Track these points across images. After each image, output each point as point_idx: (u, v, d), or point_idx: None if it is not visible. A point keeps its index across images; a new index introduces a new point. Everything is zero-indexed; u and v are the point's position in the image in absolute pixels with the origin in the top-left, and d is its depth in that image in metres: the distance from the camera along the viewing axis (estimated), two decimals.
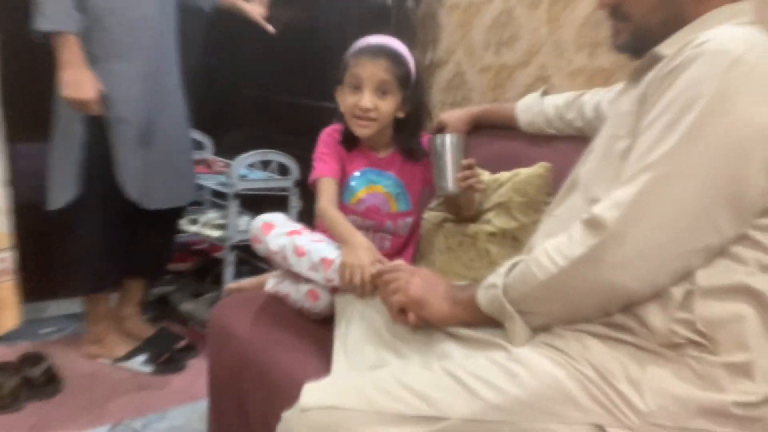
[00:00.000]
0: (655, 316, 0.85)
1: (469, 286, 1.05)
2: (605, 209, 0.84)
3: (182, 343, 2.16)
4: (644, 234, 0.82)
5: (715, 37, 0.84)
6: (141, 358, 2.09)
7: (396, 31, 1.62)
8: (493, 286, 0.97)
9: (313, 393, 0.90)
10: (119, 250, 2.06)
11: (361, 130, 1.42)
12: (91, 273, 2.03)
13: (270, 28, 2.16)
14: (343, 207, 1.48)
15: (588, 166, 1.05)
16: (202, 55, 2.87)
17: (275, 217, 1.44)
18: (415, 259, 1.56)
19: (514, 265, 0.96)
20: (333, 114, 1.50)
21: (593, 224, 0.85)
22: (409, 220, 1.51)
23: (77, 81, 1.78)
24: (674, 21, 0.96)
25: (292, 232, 1.37)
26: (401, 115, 1.44)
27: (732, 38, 0.84)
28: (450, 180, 1.35)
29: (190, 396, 1.96)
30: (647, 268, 0.83)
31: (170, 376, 2.08)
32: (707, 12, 0.95)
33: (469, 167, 1.35)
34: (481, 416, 0.83)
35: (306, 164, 1.72)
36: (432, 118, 1.58)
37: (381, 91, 1.39)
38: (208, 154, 2.68)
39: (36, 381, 1.88)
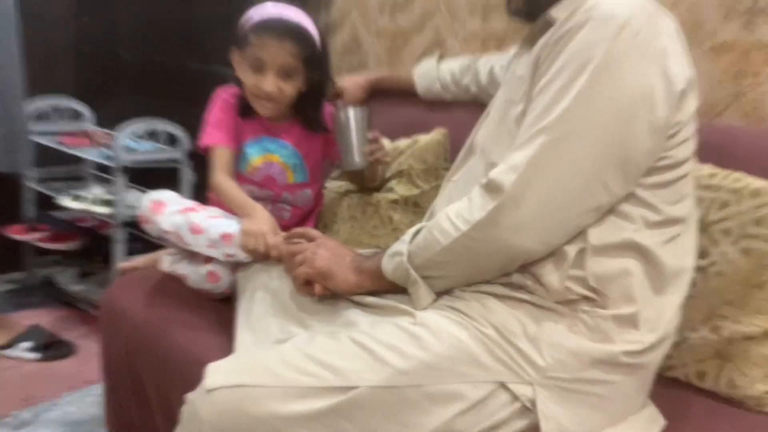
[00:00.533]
0: (550, 274, 0.88)
1: (374, 255, 1.05)
2: (502, 173, 0.86)
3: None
4: (539, 196, 0.85)
5: (604, 1, 0.86)
6: (25, 344, 1.95)
7: None
8: (397, 253, 0.97)
9: (218, 372, 0.87)
10: None
11: (264, 110, 1.36)
12: None
13: None
14: (239, 176, 1.42)
15: (484, 130, 1.07)
16: (74, 14, 2.64)
17: (165, 195, 1.36)
18: (318, 228, 1.54)
19: (417, 232, 0.97)
20: (224, 79, 1.42)
21: (491, 188, 0.87)
22: (308, 191, 1.47)
23: None
24: None
25: (185, 210, 1.30)
26: (304, 89, 1.39)
27: (619, 3, 0.86)
28: (356, 154, 1.33)
29: (83, 381, 1.86)
30: (543, 228, 0.86)
31: (59, 362, 1.97)
32: None
33: (375, 140, 1.33)
34: (389, 383, 0.83)
35: (197, 133, 1.62)
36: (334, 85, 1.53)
37: (285, 73, 1.32)
38: (87, 124, 2.50)
39: None
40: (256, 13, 1.33)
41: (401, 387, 0.83)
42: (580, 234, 0.88)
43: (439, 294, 0.96)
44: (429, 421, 0.83)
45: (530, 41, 1.02)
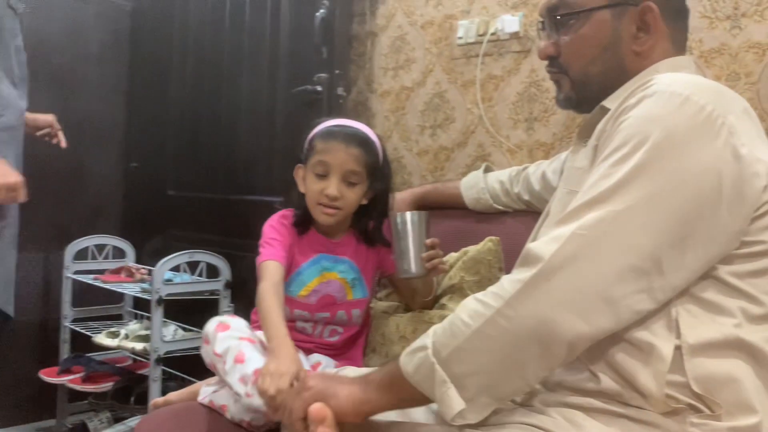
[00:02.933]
0: (645, 378, 0.76)
1: (381, 366, 0.92)
2: (541, 243, 0.78)
3: None
4: (581, 268, 0.75)
5: (663, 80, 0.83)
6: None
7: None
8: (420, 348, 0.83)
9: None
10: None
11: (325, 218, 1.32)
12: None
13: (63, 143, 2.11)
14: (291, 301, 1.34)
15: (545, 229, 0.99)
16: (124, 159, 2.75)
17: (234, 321, 1.29)
18: (366, 353, 1.43)
19: (440, 324, 0.85)
20: (265, 208, 1.40)
21: (527, 259, 0.78)
22: (363, 308, 1.39)
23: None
24: (614, 73, 0.97)
25: (244, 338, 1.23)
26: (365, 201, 1.36)
27: (679, 80, 0.83)
28: (413, 261, 1.24)
29: None
30: (585, 305, 0.75)
31: None
32: (649, 65, 0.96)
33: (433, 247, 1.26)
34: None
35: (237, 263, 1.59)
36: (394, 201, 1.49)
37: (349, 180, 1.30)
38: (129, 261, 2.50)
39: None
40: (323, 125, 1.35)
41: None
42: (672, 330, 0.77)
43: (476, 403, 0.80)
44: None
45: (585, 134, 0.98)
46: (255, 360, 1.16)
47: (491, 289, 0.80)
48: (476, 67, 1.74)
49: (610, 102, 0.93)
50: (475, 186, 1.49)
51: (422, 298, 1.39)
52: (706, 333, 0.76)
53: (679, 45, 0.99)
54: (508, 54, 1.68)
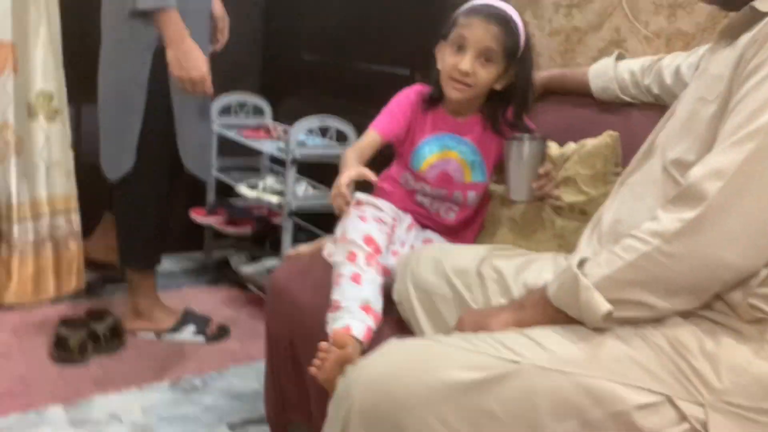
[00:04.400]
0: (735, 290, 0.80)
1: (532, 292, 0.99)
2: (703, 179, 0.78)
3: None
4: (750, 206, 0.77)
5: None
6: (191, 328, 2.10)
7: None
8: (563, 271, 0.89)
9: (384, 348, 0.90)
10: (167, 225, 2.04)
11: (454, 92, 1.36)
12: (144, 247, 2.00)
13: (219, 45, 2.10)
14: (414, 174, 1.45)
15: (667, 130, 0.99)
16: (263, 20, 2.86)
17: (380, 202, 1.41)
18: (479, 233, 1.52)
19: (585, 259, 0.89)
20: (396, 80, 1.46)
21: (690, 196, 0.79)
22: (479, 192, 1.46)
23: (190, 58, 1.74)
24: None
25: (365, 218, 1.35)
26: (499, 87, 1.38)
27: None
28: (525, 188, 1.29)
29: (247, 357, 1.99)
30: (752, 241, 0.77)
31: (227, 338, 2.12)
32: None
33: (546, 175, 1.29)
34: (550, 364, 0.81)
35: (364, 129, 1.68)
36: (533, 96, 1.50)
37: (484, 57, 1.33)
38: (267, 119, 2.69)
39: (102, 336, 1.94)
40: (469, 3, 1.37)
41: (559, 371, 0.80)
42: None
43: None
44: (580, 416, 0.78)
45: (729, 35, 0.93)
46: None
47: (648, 225, 0.81)
48: None
49: (764, 3, 0.87)
50: (605, 74, 1.46)
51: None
52: None
53: None
54: None
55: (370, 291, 1.20)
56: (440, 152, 1.43)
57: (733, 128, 0.80)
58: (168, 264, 2.60)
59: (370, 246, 1.26)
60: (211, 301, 2.38)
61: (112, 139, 1.92)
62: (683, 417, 0.77)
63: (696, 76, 1.05)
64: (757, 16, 0.87)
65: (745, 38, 0.87)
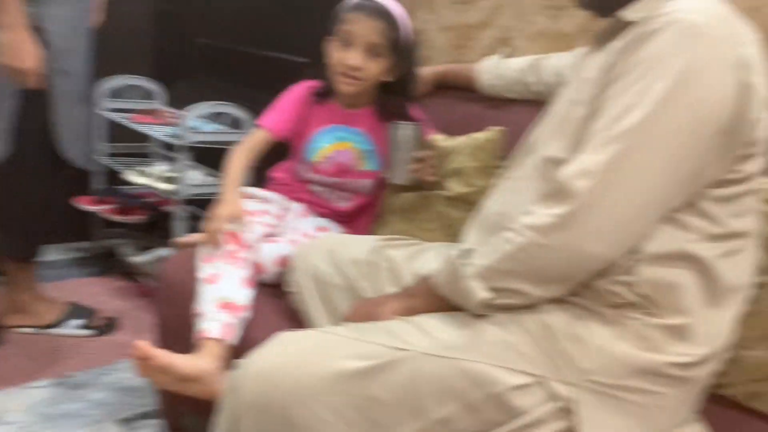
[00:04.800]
0: (598, 278, 0.87)
1: (420, 281, 1.03)
2: (573, 177, 0.84)
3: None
4: (615, 203, 0.83)
5: (682, 8, 0.84)
6: (75, 322, 2.01)
7: None
8: (448, 260, 0.94)
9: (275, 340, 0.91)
10: (48, 214, 1.93)
11: (345, 87, 1.40)
12: (23, 237, 1.89)
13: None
14: (308, 165, 1.46)
15: (544, 128, 1.06)
16: (155, 1, 2.75)
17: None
18: (374, 221, 1.56)
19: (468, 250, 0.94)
20: (292, 67, 1.47)
21: (561, 192, 0.85)
22: (373, 181, 1.50)
23: (21, 48, 1.62)
24: None
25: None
26: (388, 78, 1.42)
27: (698, 10, 0.84)
28: (400, 171, 1.37)
29: None
30: (616, 236, 0.84)
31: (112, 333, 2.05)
32: None
33: (423, 160, 1.35)
34: (433, 351, 0.85)
35: (259, 117, 1.67)
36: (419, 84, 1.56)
37: (372, 52, 1.36)
38: (158, 103, 2.60)
39: None
40: None
41: (442, 357, 0.84)
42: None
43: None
44: (461, 399, 0.83)
45: (601, 41, 1.00)
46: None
47: (524, 219, 0.87)
48: None
49: (632, 13, 0.93)
50: (492, 71, 1.53)
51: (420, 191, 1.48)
52: (664, 246, 0.86)
53: None
54: None
55: (228, 287, 1.21)
56: (335, 143, 1.46)
57: (599, 130, 0.85)
58: (52, 254, 2.47)
59: (232, 243, 1.26)
60: (98, 292, 2.29)
61: None
62: (554, 396, 0.83)
63: (571, 79, 1.11)
64: (624, 24, 0.93)
65: (613, 45, 0.93)
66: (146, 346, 1.12)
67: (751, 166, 0.87)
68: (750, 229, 0.90)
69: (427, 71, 1.63)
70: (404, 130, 1.34)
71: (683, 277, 0.86)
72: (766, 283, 1.02)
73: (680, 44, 0.82)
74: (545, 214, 0.85)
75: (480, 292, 0.89)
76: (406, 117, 1.44)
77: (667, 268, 0.86)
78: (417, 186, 1.44)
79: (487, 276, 0.89)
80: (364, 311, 1.02)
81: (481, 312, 0.90)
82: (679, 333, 0.86)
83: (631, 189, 0.83)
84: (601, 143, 0.84)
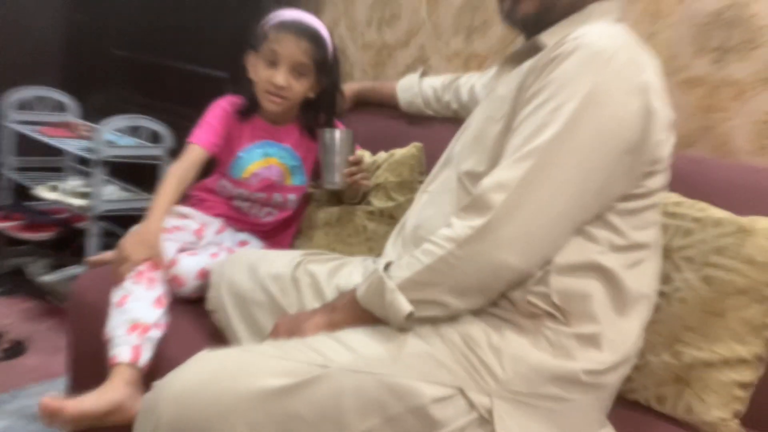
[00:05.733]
0: (515, 289, 0.90)
1: (342, 294, 1.03)
2: (489, 191, 0.87)
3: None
4: (528, 215, 0.86)
5: (591, 31, 0.90)
6: None
7: (276, 1, 1.58)
8: (373, 273, 0.95)
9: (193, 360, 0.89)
10: None
11: (271, 105, 1.40)
12: None
13: None
14: (234, 182, 1.45)
15: (461, 143, 1.09)
16: (67, 10, 2.65)
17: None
18: (296, 235, 1.56)
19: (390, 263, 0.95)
20: (210, 81, 1.46)
21: (478, 206, 0.88)
22: (299, 195, 1.50)
23: None
24: (569, 7, 1.00)
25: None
26: (311, 95, 1.43)
27: (605, 36, 0.89)
28: (336, 175, 1.37)
29: (48, 373, 1.84)
30: (530, 246, 0.87)
31: (24, 355, 1.94)
32: (585, 6, 1.01)
33: (356, 163, 1.37)
34: (354, 366, 0.85)
35: (181, 132, 1.65)
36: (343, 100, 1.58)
37: (297, 71, 1.37)
38: (70, 116, 2.50)
39: None
40: (276, 16, 1.40)
41: (364, 372, 0.85)
42: None
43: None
44: (383, 413, 0.83)
45: (513, 61, 1.05)
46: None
47: (444, 231, 0.89)
48: None
49: (547, 36, 0.98)
50: (410, 89, 1.57)
51: (349, 201, 1.50)
52: (573, 257, 0.90)
53: None
54: None
55: (137, 308, 1.18)
56: (261, 159, 1.46)
57: (514, 147, 0.89)
58: None
59: (144, 263, 1.23)
60: (4, 314, 2.16)
61: None
62: (472, 406, 0.85)
63: (486, 96, 1.15)
64: (539, 46, 0.99)
65: (527, 64, 0.98)
66: (52, 401, 1.06)
67: (654, 182, 0.93)
68: (652, 241, 0.96)
69: (348, 87, 1.65)
70: (336, 135, 1.35)
71: (592, 287, 0.90)
72: (668, 293, 1.09)
73: (588, 67, 0.87)
74: (463, 225, 0.88)
75: (406, 306, 0.89)
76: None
77: (576, 278, 0.90)
78: (351, 191, 1.45)
79: (408, 288, 0.90)
80: (288, 327, 1.00)
81: (406, 326, 0.91)
82: (591, 341, 0.89)
83: (544, 202, 0.86)
84: (515, 159, 0.88)
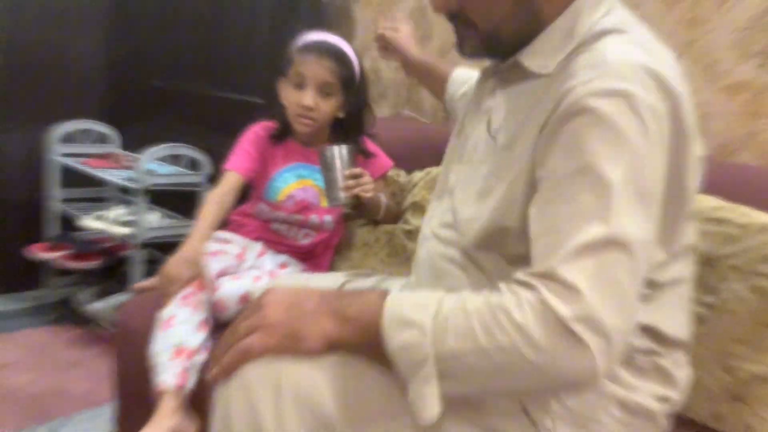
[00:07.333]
0: None
1: (357, 296, 0.82)
2: (581, 329, 0.68)
3: None
4: (616, 317, 0.70)
5: (604, 74, 0.74)
6: None
7: (307, 26, 1.60)
8: (414, 324, 0.73)
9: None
10: None
11: (302, 127, 1.42)
12: None
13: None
14: (270, 205, 1.47)
15: (460, 186, 0.97)
16: (107, 45, 2.75)
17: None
18: (335, 257, 1.56)
19: (441, 305, 0.75)
20: (246, 107, 1.48)
21: (566, 335, 0.68)
22: (335, 216, 1.51)
23: None
24: (529, 27, 0.86)
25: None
26: (341, 115, 1.45)
27: (623, 76, 0.74)
28: (341, 192, 1.33)
29: (97, 400, 1.88)
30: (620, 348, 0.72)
31: (71, 380, 1.98)
32: (566, 7, 0.85)
33: (354, 176, 1.33)
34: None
35: (219, 159, 1.68)
36: (374, 119, 1.54)
37: (324, 92, 1.39)
38: (112, 147, 2.57)
39: None
40: (301, 39, 1.43)
41: None
42: None
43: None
44: None
45: (501, 81, 0.93)
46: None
47: (515, 316, 0.69)
48: None
49: (530, 59, 0.85)
50: (459, 81, 1.40)
51: (374, 217, 1.49)
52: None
53: None
54: None
55: (182, 331, 1.20)
56: (296, 181, 1.48)
57: (562, 237, 0.72)
58: (2, 303, 2.41)
59: (190, 285, 1.26)
60: (53, 342, 2.22)
61: None
62: (533, 423, 0.81)
63: (472, 112, 1.01)
64: (527, 74, 0.85)
65: (522, 97, 0.86)
66: None
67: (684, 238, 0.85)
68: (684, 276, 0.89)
69: (415, 49, 1.52)
70: (335, 151, 1.32)
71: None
72: (715, 304, 1.06)
73: (616, 123, 0.72)
74: (537, 321, 0.69)
75: (434, 408, 0.73)
76: (363, 151, 1.48)
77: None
78: (370, 209, 1.43)
79: (449, 364, 0.72)
80: (285, 311, 0.80)
81: (422, 420, 0.74)
82: (655, 371, 0.87)
83: (625, 293, 0.71)
84: (572, 255, 0.70)
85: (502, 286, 0.74)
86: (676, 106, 0.76)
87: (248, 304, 0.92)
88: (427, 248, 1.00)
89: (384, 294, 0.78)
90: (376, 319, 0.75)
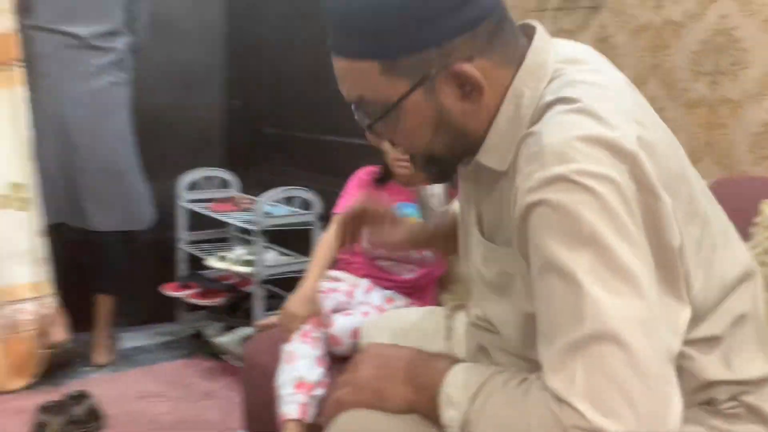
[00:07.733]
0: None
1: (431, 363, 0.83)
2: (591, 417, 0.63)
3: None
4: (638, 404, 0.64)
5: (543, 166, 0.69)
6: None
7: None
8: (453, 404, 0.76)
9: None
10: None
11: (401, 170, 1.52)
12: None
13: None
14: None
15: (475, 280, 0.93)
16: (224, 99, 2.99)
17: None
18: (440, 291, 1.62)
19: (482, 387, 0.75)
20: (352, 149, 1.58)
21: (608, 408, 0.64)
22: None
23: None
24: (462, 140, 0.82)
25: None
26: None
27: (561, 159, 0.68)
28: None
29: (227, 428, 2.02)
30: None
31: (205, 410, 2.14)
32: (500, 102, 0.79)
33: None
34: None
35: (328, 198, 1.81)
36: None
37: None
38: (233, 191, 2.78)
39: (81, 419, 1.96)
40: None
41: None
42: None
43: None
44: None
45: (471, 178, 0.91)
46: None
47: (546, 419, 0.65)
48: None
49: (489, 159, 0.81)
50: None
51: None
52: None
53: (513, 53, 0.79)
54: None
55: (303, 366, 1.32)
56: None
57: (558, 338, 0.67)
58: (142, 339, 2.65)
59: (309, 321, 1.37)
60: (188, 374, 2.42)
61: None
62: None
63: (466, 219, 0.97)
64: (492, 171, 0.81)
65: (495, 194, 0.83)
66: None
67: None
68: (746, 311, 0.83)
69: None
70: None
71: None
72: None
73: (572, 233, 0.67)
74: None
75: None
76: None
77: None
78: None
79: None
80: (373, 371, 0.85)
81: None
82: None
83: (629, 390, 0.64)
84: (565, 358, 0.66)
85: (538, 383, 0.69)
86: (634, 165, 0.69)
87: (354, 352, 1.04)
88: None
89: (450, 363, 0.81)
90: (438, 392, 0.79)
